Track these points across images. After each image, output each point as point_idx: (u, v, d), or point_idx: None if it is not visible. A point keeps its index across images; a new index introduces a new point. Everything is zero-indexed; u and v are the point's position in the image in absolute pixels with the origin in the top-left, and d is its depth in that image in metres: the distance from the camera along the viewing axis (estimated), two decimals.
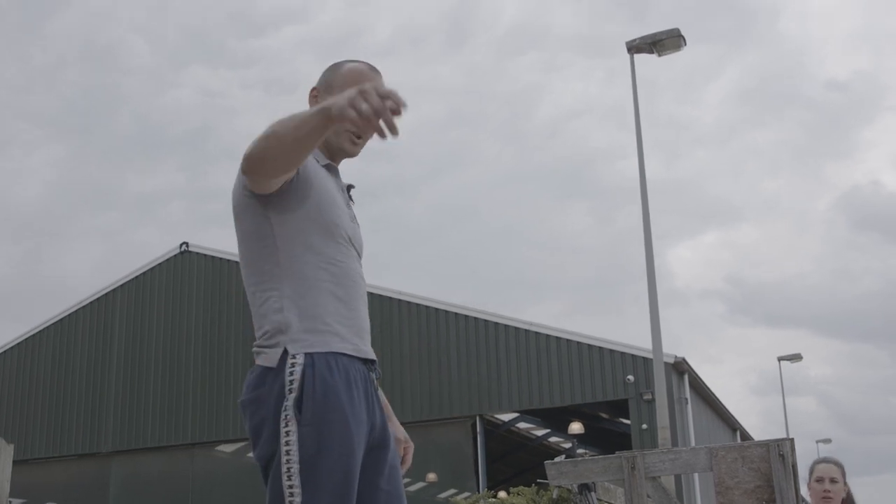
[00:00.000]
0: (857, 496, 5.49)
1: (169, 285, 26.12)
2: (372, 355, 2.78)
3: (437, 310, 22.51)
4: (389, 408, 2.92)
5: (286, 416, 2.54)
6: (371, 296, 19.61)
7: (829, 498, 5.32)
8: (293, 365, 2.59)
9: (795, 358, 34.51)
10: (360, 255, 2.87)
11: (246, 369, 19.87)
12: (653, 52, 16.62)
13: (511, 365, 21.98)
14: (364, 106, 2.17)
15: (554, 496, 8.25)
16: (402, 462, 2.95)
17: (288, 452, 2.53)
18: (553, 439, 28.65)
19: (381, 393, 2.87)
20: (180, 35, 70.01)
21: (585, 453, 26.46)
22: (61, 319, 27.08)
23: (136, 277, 26.64)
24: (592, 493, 8.13)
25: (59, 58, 68.34)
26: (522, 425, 26.56)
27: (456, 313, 22.89)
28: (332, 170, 2.87)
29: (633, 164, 16.48)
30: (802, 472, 5.91)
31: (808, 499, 5.67)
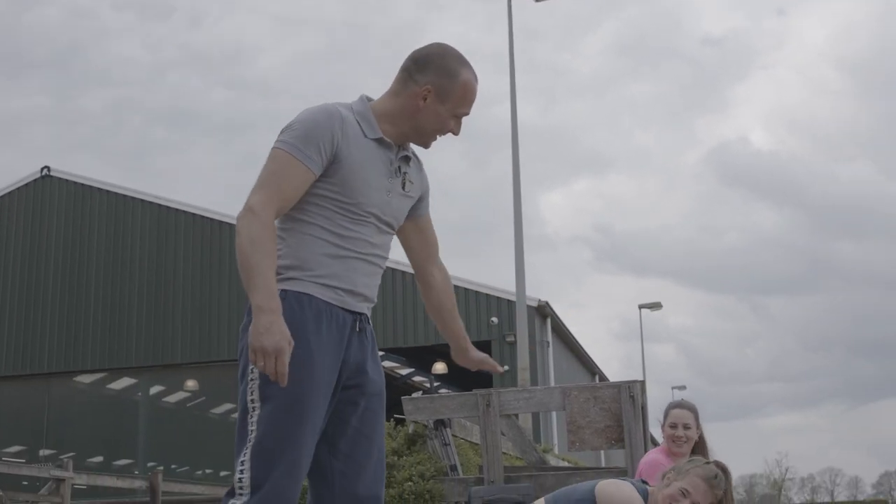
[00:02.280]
0: (709, 441, 5.69)
1: (28, 210, 25.26)
2: (360, 310, 3.07)
3: None
4: (466, 339, 3.47)
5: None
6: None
7: (682, 442, 5.50)
8: None
9: (655, 306, 35.50)
10: (390, 227, 3.15)
11: (106, 297, 19.47)
12: None
13: (377, 303, 22.01)
14: (260, 365, 2.70)
15: (410, 431, 8.35)
16: (487, 363, 3.45)
17: (252, 371, 2.86)
18: (417, 378, 28.92)
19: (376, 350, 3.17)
20: None
21: (447, 392, 26.81)
22: None
23: None
24: (447, 429, 8.26)
25: None
26: (387, 364, 26.72)
27: None
28: (385, 144, 3.08)
29: (508, 110, 16.58)
30: (656, 415, 6.10)
31: (660, 441, 5.86)
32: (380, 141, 3.06)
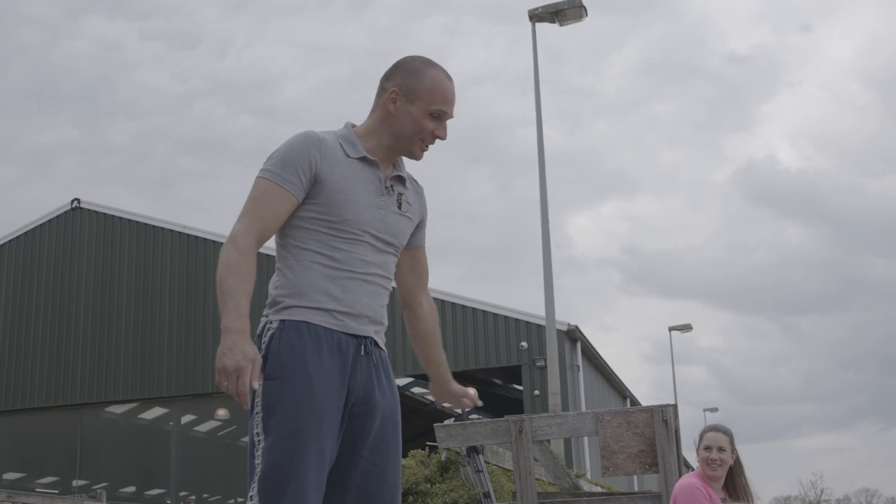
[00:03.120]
0: (745, 464, 5.63)
1: (59, 242, 25.48)
2: (365, 333, 3.02)
3: None
4: (447, 372, 3.41)
5: (260, 373, 2.84)
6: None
7: (717, 466, 5.44)
8: (269, 330, 2.94)
9: (685, 328, 35.27)
10: (388, 244, 3.10)
11: (137, 327, 19.55)
12: (554, 22, 16.71)
13: (406, 329, 21.97)
14: (224, 384, 2.71)
15: (443, 459, 8.30)
16: (468, 396, 3.37)
17: (256, 405, 2.86)
18: (447, 405, 28.84)
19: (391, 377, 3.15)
20: None
21: (478, 418, 26.71)
22: None
23: (25, 233, 25.94)
24: (480, 456, 8.21)
25: None
26: (417, 390, 26.69)
27: None
28: (370, 162, 3.07)
29: (534, 133, 16.58)
30: (689, 439, 6.02)
31: (694, 465, 5.79)
32: (364, 159, 3.06)
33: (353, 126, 3.15)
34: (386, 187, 3.10)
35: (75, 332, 24.53)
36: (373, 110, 3.15)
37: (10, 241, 26.01)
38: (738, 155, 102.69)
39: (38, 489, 23.90)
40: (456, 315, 21.99)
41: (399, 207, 3.13)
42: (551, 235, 16.04)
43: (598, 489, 11.63)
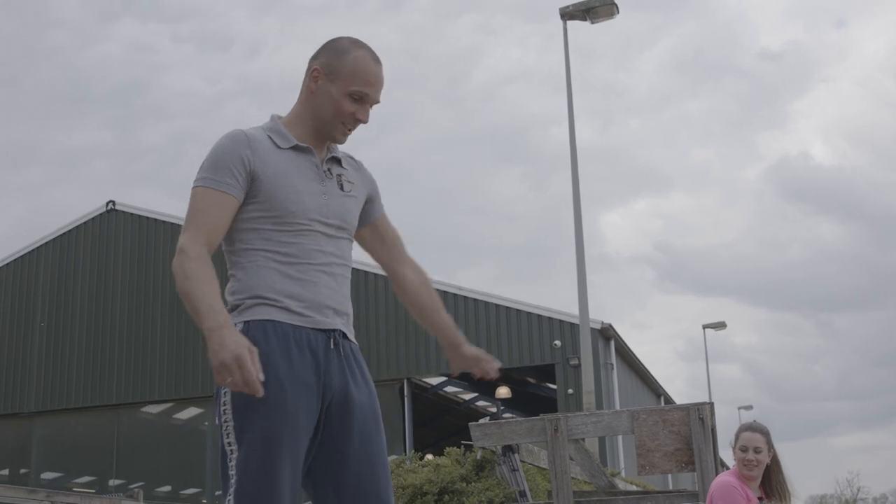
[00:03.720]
0: (783, 462, 5.59)
1: (94, 245, 25.69)
2: (333, 326, 2.91)
3: (366, 273, 22.45)
4: (457, 334, 3.29)
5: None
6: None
7: (753, 466, 5.42)
8: None
9: (719, 326, 35.08)
10: (339, 228, 3.00)
11: (173, 327, 19.65)
12: (586, 20, 16.67)
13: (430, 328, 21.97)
14: (229, 381, 2.56)
15: (478, 458, 8.32)
16: (487, 369, 3.25)
17: (225, 414, 2.78)
18: (480, 403, 28.85)
19: (361, 364, 3.02)
20: None
21: (512, 417, 26.70)
22: None
23: (61, 236, 26.17)
24: (515, 455, 8.22)
25: None
26: (450, 389, 26.70)
27: (386, 276, 22.81)
28: (302, 149, 2.98)
29: (565, 131, 16.56)
30: (724, 437, 6.00)
31: (728, 463, 5.77)
32: (296, 148, 2.97)
33: (280, 117, 3.06)
34: (324, 172, 3.01)
35: (111, 333, 24.73)
36: (299, 94, 3.05)
37: (46, 243, 26.25)
38: (771, 152, 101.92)
39: (75, 489, 24.12)
40: (489, 314, 21.99)
41: (342, 189, 3.03)
42: (584, 233, 16.01)
43: (634, 488, 11.61)
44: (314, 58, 3.02)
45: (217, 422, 2.83)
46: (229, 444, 2.77)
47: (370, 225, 3.21)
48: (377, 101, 3.03)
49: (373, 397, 2.99)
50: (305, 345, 2.84)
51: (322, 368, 2.85)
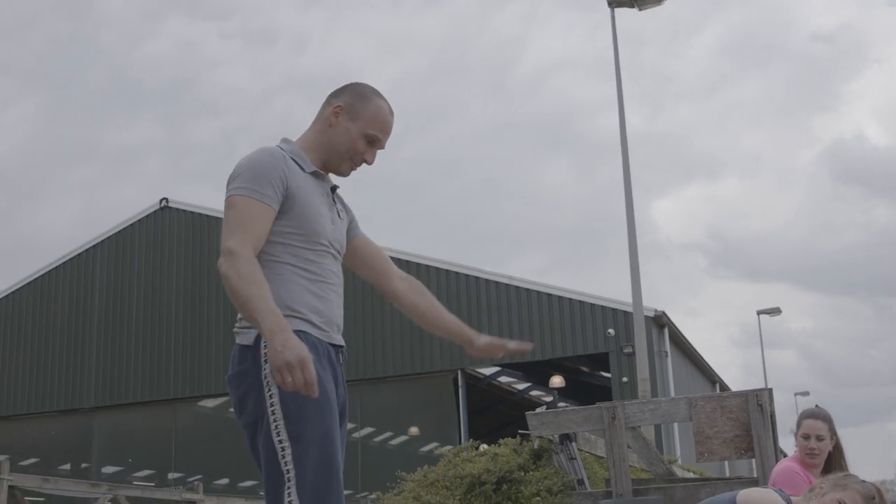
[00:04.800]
0: (846, 449, 5.53)
1: (149, 241, 26.01)
2: (340, 342, 3.13)
3: (418, 265, 22.52)
4: (466, 331, 3.37)
5: (268, 382, 2.88)
6: None
7: (815, 455, 5.36)
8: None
9: (774, 312, 34.74)
10: (340, 253, 3.21)
11: (227, 325, 19.84)
12: (633, 6, 16.57)
13: (492, 319, 22.05)
14: (289, 381, 2.67)
15: (535, 446, 8.32)
16: (496, 342, 3.35)
17: (273, 413, 2.88)
18: (534, 393, 28.82)
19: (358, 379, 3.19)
20: None
21: (567, 406, 26.64)
22: (41, 276, 26.95)
23: (116, 233, 26.52)
24: (573, 444, 8.21)
25: (34, 10, 67.52)
26: (504, 379, 26.70)
27: (437, 268, 22.91)
28: (319, 175, 3.18)
29: (616, 118, 16.46)
30: (782, 423, 5.94)
31: (786, 451, 5.72)
32: (315, 174, 3.16)
33: (291, 141, 3.23)
34: (332, 199, 3.22)
35: (167, 329, 25.04)
36: (313, 124, 3.25)
37: (102, 241, 26.62)
38: (824, 135, 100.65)
39: (135, 482, 24.47)
40: (542, 303, 21.96)
41: (339, 216, 3.25)
42: (636, 221, 15.92)
43: (691, 475, 11.55)
44: (336, 95, 3.24)
45: (256, 423, 2.93)
46: (280, 441, 2.87)
47: (351, 244, 3.37)
48: (383, 148, 3.27)
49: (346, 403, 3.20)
50: (326, 357, 3.03)
51: (337, 380, 3.07)
